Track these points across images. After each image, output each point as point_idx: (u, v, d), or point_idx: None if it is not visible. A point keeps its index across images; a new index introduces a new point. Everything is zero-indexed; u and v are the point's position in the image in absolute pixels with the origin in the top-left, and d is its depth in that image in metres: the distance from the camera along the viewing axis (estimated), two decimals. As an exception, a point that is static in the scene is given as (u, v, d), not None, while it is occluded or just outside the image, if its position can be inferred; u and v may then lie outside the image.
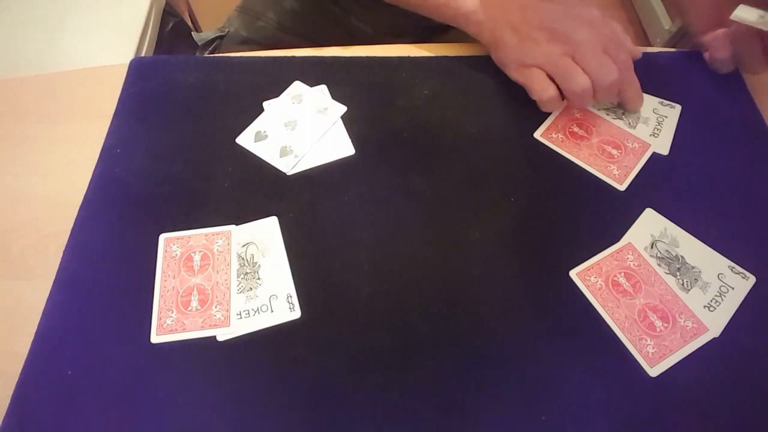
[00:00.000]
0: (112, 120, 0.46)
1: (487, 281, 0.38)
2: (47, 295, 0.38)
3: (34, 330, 0.37)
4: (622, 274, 0.38)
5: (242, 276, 0.38)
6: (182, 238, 0.40)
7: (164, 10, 1.00)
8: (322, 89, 0.48)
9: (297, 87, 0.48)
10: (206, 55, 0.67)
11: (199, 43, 0.67)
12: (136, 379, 0.35)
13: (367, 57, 0.50)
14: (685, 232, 0.40)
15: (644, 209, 0.41)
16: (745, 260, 0.39)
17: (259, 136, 0.45)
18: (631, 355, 0.35)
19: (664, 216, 0.41)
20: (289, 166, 0.43)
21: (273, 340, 0.36)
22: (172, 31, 1.01)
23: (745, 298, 0.37)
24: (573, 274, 0.38)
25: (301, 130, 0.45)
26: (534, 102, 0.47)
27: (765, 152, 0.44)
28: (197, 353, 0.36)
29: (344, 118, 0.46)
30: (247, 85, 0.49)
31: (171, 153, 0.45)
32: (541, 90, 0.43)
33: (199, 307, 0.37)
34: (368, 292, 0.38)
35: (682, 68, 0.50)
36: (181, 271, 0.38)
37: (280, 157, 0.44)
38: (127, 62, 0.50)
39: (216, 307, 0.37)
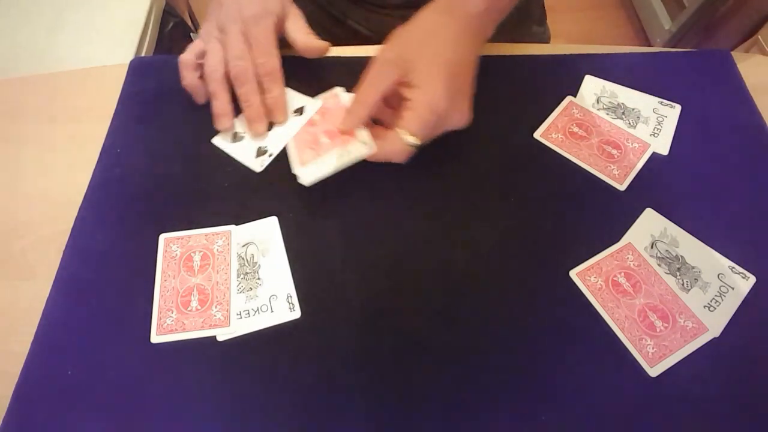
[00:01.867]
0: (112, 120, 0.46)
1: (487, 281, 0.38)
2: (47, 295, 0.38)
3: (34, 330, 0.37)
4: (622, 274, 0.38)
5: (242, 276, 0.38)
6: (182, 238, 0.40)
7: (164, 10, 1.00)
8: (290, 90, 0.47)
9: None
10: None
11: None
12: (136, 379, 0.35)
13: (367, 57, 0.50)
14: (685, 232, 0.40)
15: (644, 209, 0.41)
16: (745, 260, 0.39)
17: (236, 137, 0.45)
18: (631, 355, 0.35)
19: (664, 216, 0.41)
20: (263, 166, 0.43)
21: (273, 340, 0.36)
22: (172, 31, 1.01)
23: (745, 298, 0.37)
24: (573, 274, 0.38)
25: (277, 130, 0.45)
26: (534, 102, 0.47)
27: (765, 152, 0.44)
28: (197, 353, 0.36)
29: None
30: (247, 85, 0.49)
31: (171, 153, 0.45)
32: (186, 52, 0.45)
33: (199, 307, 0.37)
34: (368, 292, 0.38)
35: (682, 68, 0.50)
36: (181, 271, 0.38)
37: (256, 157, 0.44)
38: (127, 62, 0.50)
39: (216, 307, 0.37)
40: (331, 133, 0.42)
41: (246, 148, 0.44)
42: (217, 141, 0.45)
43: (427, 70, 0.38)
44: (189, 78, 0.44)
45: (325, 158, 0.41)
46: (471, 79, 0.41)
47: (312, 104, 0.46)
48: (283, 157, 0.44)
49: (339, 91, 0.45)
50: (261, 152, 0.44)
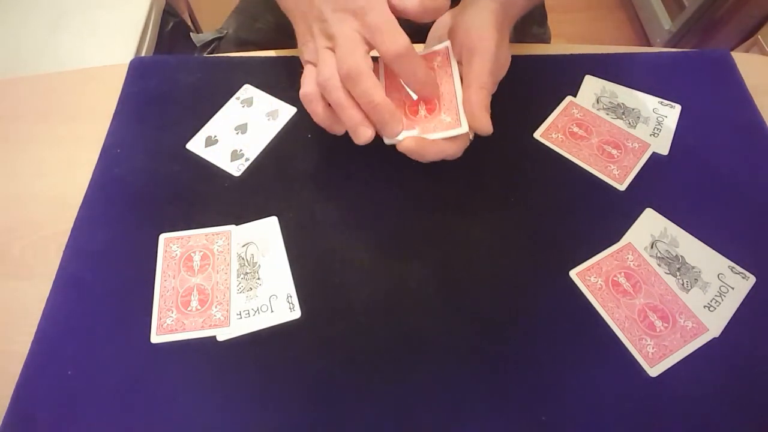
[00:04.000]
0: (112, 120, 0.46)
1: (487, 281, 0.38)
2: (47, 295, 0.38)
3: (34, 330, 0.37)
4: (622, 274, 0.38)
5: (242, 276, 0.38)
6: (182, 238, 0.40)
7: (164, 10, 1.00)
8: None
9: (247, 90, 0.48)
10: (206, 55, 0.67)
11: (198, 45, 0.67)
12: (136, 379, 0.35)
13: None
14: (685, 232, 0.40)
15: (644, 209, 0.41)
16: (745, 260, 0.39)
17: (210, 141, 0.45)
18: (631, 355, 0.35)
19: (664, 216, 0.41)
20: (239, 170, 0.43)
21: (273, 340, 0.36)
22: (172, 31, 1.01)
23: (745, 298, 0.37)
24: (573, 274, 0.38)
25: (252, 133, 0.45)
26: (534, 102, 0.47)
27: (765, 152, 0.44)
28: (197, 353, 0.36)
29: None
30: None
31: (171, 153, 0.45)
32: (303, 86, 0.38)
33: (199, 307, 0.37)
34: (368, 292, 0.38)
35: (682, 68, 0.50)
36: (181, 271, 0.38)
37: (231, 161, 0.44)
38: (127, 62, 0.50)
39: (216, 307, 0.37)
40: (430, 105, 0.36)
41: (220, 151, 0.44)
42: (192, 146, 0.45)
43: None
44: (318, 110, 0.37)
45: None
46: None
47: (286, 109, 0.46)
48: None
49: (450, 47, 0.38)
50: (236, 155, 0.44)
